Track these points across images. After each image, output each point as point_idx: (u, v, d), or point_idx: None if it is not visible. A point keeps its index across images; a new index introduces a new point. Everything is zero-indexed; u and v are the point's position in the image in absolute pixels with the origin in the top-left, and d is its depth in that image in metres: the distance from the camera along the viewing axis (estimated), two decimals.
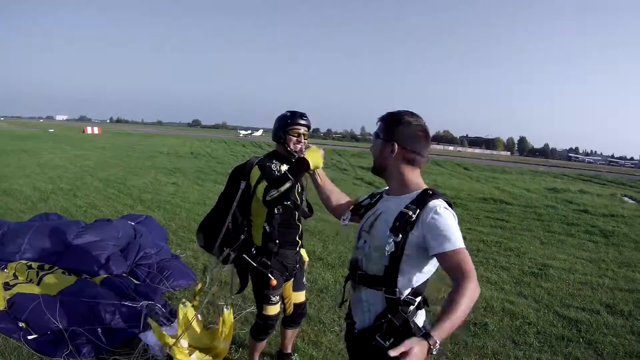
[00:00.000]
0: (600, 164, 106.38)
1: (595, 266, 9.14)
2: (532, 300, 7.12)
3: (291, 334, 4.71)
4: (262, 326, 4.24)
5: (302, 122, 3.97)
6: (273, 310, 4.14)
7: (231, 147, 46.08)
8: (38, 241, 6.70)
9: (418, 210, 2.41)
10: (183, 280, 6.75)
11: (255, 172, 3.82)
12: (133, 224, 8.32)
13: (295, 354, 4.87)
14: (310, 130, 4.08)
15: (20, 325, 4.90)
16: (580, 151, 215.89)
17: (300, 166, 3.28)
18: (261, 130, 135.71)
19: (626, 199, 20.99)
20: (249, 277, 4.19)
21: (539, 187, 23.07)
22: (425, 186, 2.59)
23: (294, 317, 4.52)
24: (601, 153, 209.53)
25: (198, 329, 4.78)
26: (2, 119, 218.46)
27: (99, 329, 4.92)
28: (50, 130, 67.88)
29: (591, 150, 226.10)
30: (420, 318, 2.60)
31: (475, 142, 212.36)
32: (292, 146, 3.93)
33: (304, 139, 3.98)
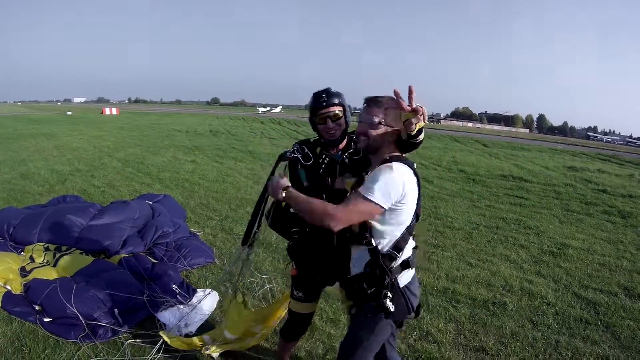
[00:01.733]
0: (618, 143, 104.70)
1: (614, 247, 8.97)
2: (551, 280, 7.03)
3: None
4: (287, 321, 3.96)
5: (323, 104, 3.38)
6: (296, 306, 3.77)
7: (250, 124, 45.89)
8: (55, 224, 6.68)
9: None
10: (201, 258, 6.69)
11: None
12: (151, 203, 8.33)
13: None
14: (342, 108, 3.42)
15: (36, 308, 4.86)
16: (599, 130, 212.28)
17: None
18: (280, 107, 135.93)
19: None
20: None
21: (557, 165, 22.75)
22: (398, 155, 2.92)
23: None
24: (619, 133, 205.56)
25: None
26: (19, 103, 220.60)
27: (115, 310, 4.84)
28: (69, 112, 68.21)
29: (609, 130, 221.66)
30: (404, 278, 2.94)
31: (494, 118, 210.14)
32: (324, 135, 3.44)
33: (336, 121, 3.37)
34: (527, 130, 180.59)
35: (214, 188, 12.36)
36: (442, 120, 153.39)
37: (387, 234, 2.82)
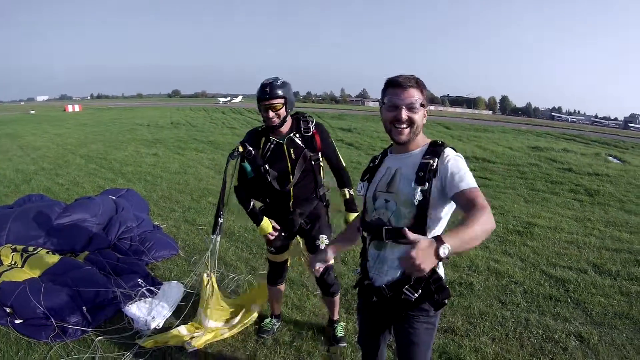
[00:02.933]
0: (583, 123, 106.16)
1: (581, 225, 9.04)
2: (518, 259, 7.05)
3: (327, 301, 4.67)
4: (269, 270, 4.64)
5: (265, 96, 3.79)
6: (272, 257, 4.50)
7: (211, 115, 45.42)
8: (21, 225, 6.63)
9: (436, 159, 2.48)
10: (165, 250, 6.72)
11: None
12: (114, 198, 8.31)
13: (340, 323, 4.75)
14: (281, 99, 3.81)
15: (7, 310, 4.82)
16: (564, 111, 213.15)
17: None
18: (240, 97, 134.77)
19: (611, 158, 20.79)
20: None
21: (522, 146, 22.78)
22: (428, 139, 2.66)
23: (319, 284, 4.51)
24: (585, 113, 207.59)
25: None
26: None
27: (83, 308, 4.84)
28: (32, 111, 66.79)
29: (575, 110, 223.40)
30: (440, 269, 2.65)
31: (456, 101, 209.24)
32: (266, 122, 3.96)
33: (276, 111, 3.84)
34: (490, 112, 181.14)
35: (176, 180, 12.33)
36: None
37: (441, 227, 2.57)
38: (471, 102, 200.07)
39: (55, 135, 25.41)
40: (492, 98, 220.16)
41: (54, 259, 5.77)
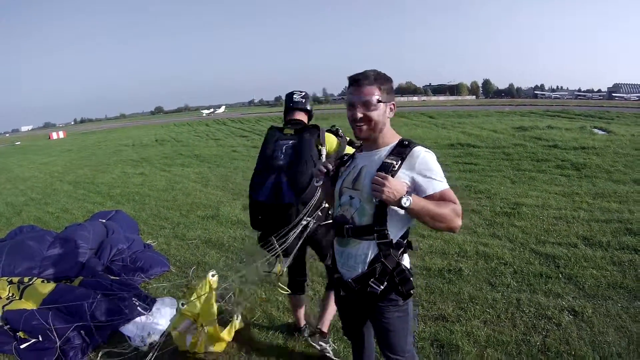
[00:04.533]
0: (567, 98, 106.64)
1: (569, 200, 9.14)
2: (506, 240, 7.10)
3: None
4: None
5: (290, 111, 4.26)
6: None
7: (195, 128, 45.41)
8: (14, 257, 6.63)
9: (400, 160, 2.53)
10: (157, 267, 6.77)
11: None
12: (104, 221, 8.35)
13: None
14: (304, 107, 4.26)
15: (18, 335, 4.88)
16: (547, 88, 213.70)
17: None
18: (223, 107, 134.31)
19: (596, 130, 20.95)
20: None
21: (506, 127, 22.98)
22: (399, 136, 2.72)
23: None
24: (567, 88, 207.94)
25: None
26: None
27: (82, 331, 4.89)
28: (17, 143, 66.52)
29: (557, 86, 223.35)
30: (405, 261, 2.73)
31: (439, 90, 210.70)
32: None
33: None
34: (474, 97, 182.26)
35: (164, 197, 12.35)
36: None
37: (403, 225, 2.65)
38: (454, 89, 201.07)
39: (42, 165, 25.30)
40: (474, 83, 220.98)
41: (50, 286, 5.79)
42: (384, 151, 2.66)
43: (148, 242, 8.11)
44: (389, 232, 2.57)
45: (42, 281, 6.09)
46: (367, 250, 2.64)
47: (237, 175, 14.95)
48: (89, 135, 59.31)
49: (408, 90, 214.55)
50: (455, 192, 2.54)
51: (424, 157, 2.52)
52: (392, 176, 2.46)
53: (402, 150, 2.57)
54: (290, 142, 3.91)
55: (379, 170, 2.51)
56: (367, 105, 2.55)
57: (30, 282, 5.98)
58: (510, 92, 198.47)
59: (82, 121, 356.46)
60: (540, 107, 46.18)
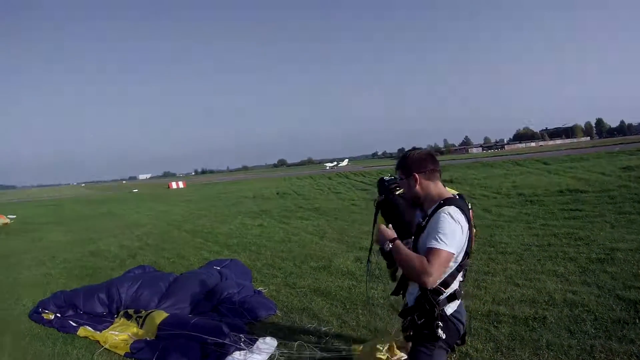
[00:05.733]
0: None
1: None
2: (595, 287, 7.27)
3: None
4: None
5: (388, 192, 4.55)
6: None
7: (317, 182, 46.64)
8: (142, 289, 8.20)
9: (428, 218, 3.35)
10: (263, 311, 7.55)
11: None
12: (218, 268, 9.37)
13: None
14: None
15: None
16: None
17: None
18: (347, 160, 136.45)
19: None
20: None
21: (614, 169, 22.73)
22: (447, 195, 3.45)
23: None
24: None
25: None
26: (83, 185, 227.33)
27: None
28: (135, 190, 70.66)
29: None
30: (450, 308, 3.42)
31: (555, 133, 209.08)
32: None
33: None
34: (588, 137, 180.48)
35: (280, 248, 13.17)
36: (506, 146, 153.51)
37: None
38: (569, 132, 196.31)
39: (160, 212, 27.55)
40: (588, 123, 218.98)
41: (164, 315, 6.99)
42: (429, 211, 3.42)
43: (259, 288, 8.92)
44: (406, 295, 3.53)
45: (158, 312, 7.31)
46: (414, 288, 3.50)
47: (354, 228, 15.60)
48: (209, 187, 62.31)
49: (526, 135, 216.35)
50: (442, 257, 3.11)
51: (439, 217, 3.21)
52: (421, 231, 3.35)
53: (435, 209, 3.32)
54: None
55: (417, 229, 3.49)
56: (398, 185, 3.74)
57: (149, 313, 7.22)
58: (622, 130, 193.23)
59: (203, 172, 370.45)
60: None
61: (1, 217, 28.51)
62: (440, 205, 3.27)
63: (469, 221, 3.30)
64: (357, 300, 7.70)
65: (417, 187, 3.44)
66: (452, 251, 3.11)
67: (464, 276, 3.50)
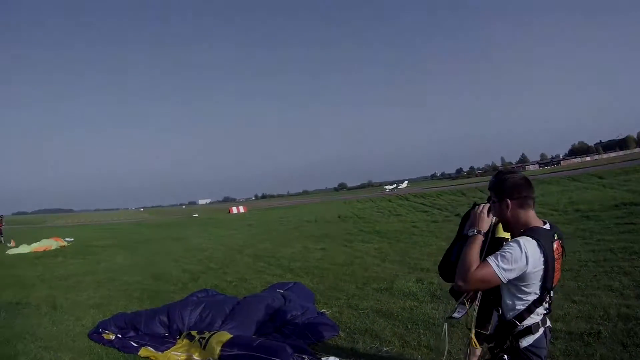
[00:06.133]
0: None
1: None
2: None
3: None
4: None
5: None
6: None
7: (377, 204, 46.87)
8: (208, 312, 8.46)
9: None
10: (326, 332, 7.62)
11: None
12: (282, 291, 9.48)
13: None
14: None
15: None
16: None
17: None
18: (406, 182, 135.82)
19: None
20: None
21: None
22: (533, 224, 3.36)
23: None
24: None
25: None
26: (142, 209, 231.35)
27: None
28: (195, 215, 71.59)
29: None
30: (524, 342, 3.32)
31: (608, 146, 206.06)
32: None
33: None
34: None
35: (342, 271, 13.22)
36: (562, 162, 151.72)
37: (511, 305, 3.28)
38: (622, 144, 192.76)
39: (221, 237, 27.97)
40: None
41: (228, 336, 7.10)
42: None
43: (322, 310, 8.97)
44: (502, 307, 3.35)
45: (221, 332, 7.44)
46: (496, 318, 3.52)
47: (415, 250, 15.66)
48: (270, 211, 62.85)
49: (581, 150, 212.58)
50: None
51: (510, 242, 3.18)
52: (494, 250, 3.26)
53: (515, 237, 3.31)
54: None
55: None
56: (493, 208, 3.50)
57: (213, 334, 7.34)
58: None
59: (264, 197, 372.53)
60: None
61: (58, 240, 29.56)
62: (521, 234, 3.24)
63: (547, 254, 3.16)
64: (419, 321, 7.75)
65: (508, 213, 3.38)
66: (501, 275, 3.09)
67: (548, 310, 3.37)
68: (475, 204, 4.02)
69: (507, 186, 3.40)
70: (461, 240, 3.80)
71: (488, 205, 3.52)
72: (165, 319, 8.30)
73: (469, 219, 3.66)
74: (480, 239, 3.31)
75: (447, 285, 4.10)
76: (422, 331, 7.23)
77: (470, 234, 3.36)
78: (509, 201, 3.35)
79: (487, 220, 3.43)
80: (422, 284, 10.22)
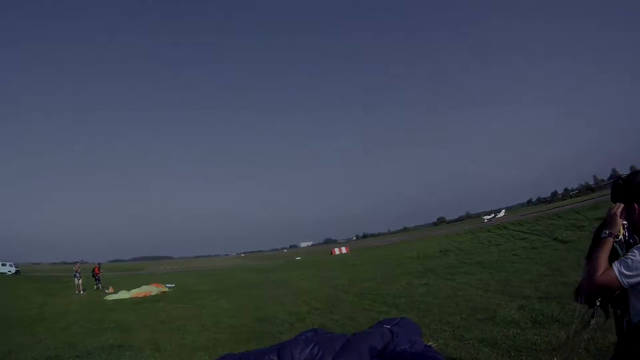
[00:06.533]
0: None
1: None
2: None
3: None
4: None
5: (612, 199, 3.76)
6: None
7: (477, 235, 46.64)
8: (310, 351, 8.70)
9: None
10: None
11: None
12: (389, 327, 9.69)
13: None
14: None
15: None
16: None
17: None
18: (503, 211, 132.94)
19: None
20: None
21: None
22: None
23: None
24: None
25: None
26: (242, 255, 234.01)
27: None
28: (297, 258, 72.23)
29: None
30: None
31: None
32: None
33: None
34: None
35: (447, 304, 13.40)
36: None
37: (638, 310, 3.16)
38: None
39: (326, 278, 28.39)
40: None
41: None
42: None
43: (429, 343, 9.17)
44: (630, 312, 3.25)
45: None
46: (620, 319, 3.47)
47: (516, 277, 15.70)
48: (372, 250, 62.95)
49: None
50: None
51: (632, 250, 3.17)
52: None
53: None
54: None
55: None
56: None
57: None
58: None
59: (365, 236, 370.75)
60: None
61: (159, 286, 30.75)
62: None
63: None
64: (522, 348, 7.90)
65: (637, 216, 3.35)
66: (622, 281, 3.06)
67: None
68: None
69: (634, 188, 3.36)
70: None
71: (622, 205, 3.43)
72: (275, 358, 8.64)
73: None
74: (610, 242, 3.32)
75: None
76: (524, 357, 7.38)
77: (603, 236, 3.37)
78: (635, 205, 3.34)
79: (619, 222, 3.38)
80: (524, 310, 10.37)
